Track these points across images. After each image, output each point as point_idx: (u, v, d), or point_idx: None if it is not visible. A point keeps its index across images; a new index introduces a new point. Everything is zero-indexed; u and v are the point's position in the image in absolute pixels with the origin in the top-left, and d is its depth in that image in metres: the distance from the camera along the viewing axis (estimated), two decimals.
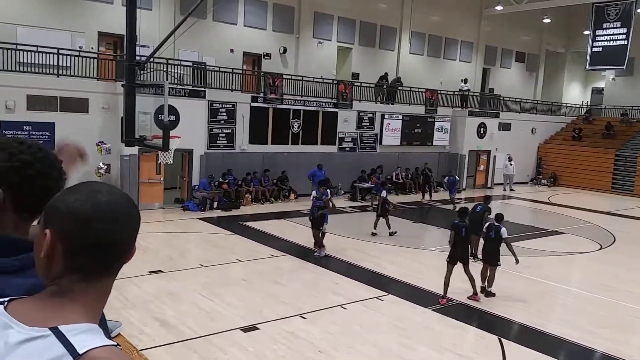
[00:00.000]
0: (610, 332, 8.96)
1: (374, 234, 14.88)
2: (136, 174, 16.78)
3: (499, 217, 10.42)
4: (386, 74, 26.28)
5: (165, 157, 12.46)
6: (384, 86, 25.44)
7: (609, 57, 28.77)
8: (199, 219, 16.41)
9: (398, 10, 28.10)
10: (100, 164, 14.98)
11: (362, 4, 26.25)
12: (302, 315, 8.86)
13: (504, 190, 26.93)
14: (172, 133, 12.04)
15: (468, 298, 9.98)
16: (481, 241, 10.82)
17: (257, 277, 10.95)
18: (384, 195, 14.98)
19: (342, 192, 22.18)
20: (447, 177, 21.89)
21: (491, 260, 10.13)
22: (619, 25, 28.09)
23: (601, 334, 8.85)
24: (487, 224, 10.55)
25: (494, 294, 10.19)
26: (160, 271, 10.84)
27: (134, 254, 1.25)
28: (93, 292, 1.19)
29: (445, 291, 9.88)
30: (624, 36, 27.96)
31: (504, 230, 10.03)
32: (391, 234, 14.82)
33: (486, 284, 10.23)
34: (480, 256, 11.49)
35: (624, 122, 31.12)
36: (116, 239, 1.18)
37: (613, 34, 28.39)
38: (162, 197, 17.65)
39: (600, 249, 15.34)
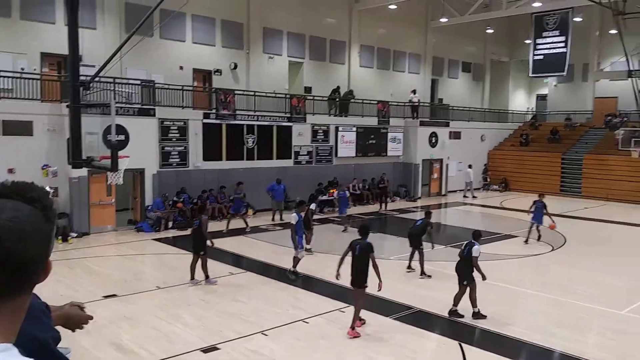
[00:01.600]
0: (567, 332, 9.17)
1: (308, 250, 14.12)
2: (86, 196, 16.23)
3: (476, 234, 9.90)
4: (338, 87, 26.52)
5: (114, 177, 12.08)
6: (337, 99, 25.64)
7: (550, 65, 30.00)
8: (154, 239, 15.99)
9: (346, 25, 28.47)
10: (47, 188, 14.41)
11: (310, 19, 26.47)
12: (264, 332, 8.70)
13: (465, 197, 27.56)
14: (121, 153, 11.71)
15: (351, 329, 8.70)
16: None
17: (216, 296, 10.71)
18: (312, 208, 14.67)
19: (349, 193, 22.10)
20: (337, 192, 18.67)
21: (464, 279, 9.53)
22: (557, 33, 29.36)
23: (559, 333, 9.04)
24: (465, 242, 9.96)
25: (484, 316, 9.44)
26: (114, 295, 10.46)
27: (50, 271, 1.20)
28: (6, 312, 1.14)
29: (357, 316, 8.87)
30: (562, 44, 29.23)
31: (475, 248, 9.55)
32: (307, 250, 13.87)
33: (472, 307, 9.53)
34: (421, 272, 12.29)
35: (568, 126, 32.41)
36: (26, 257, 1.12)
37: (553, 42, 29.63)
38: (114, 219, 17.12)
39: (552, 250, 15.79)
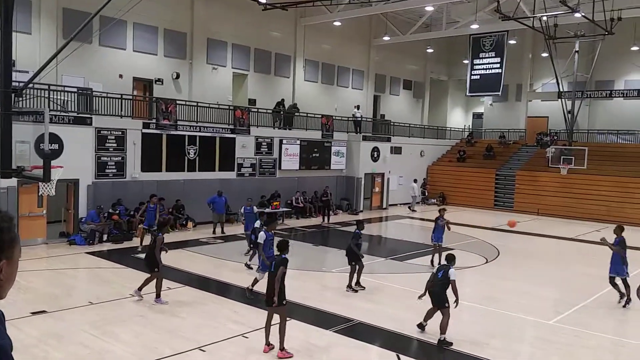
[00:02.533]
0: (498, 342, 9.50)
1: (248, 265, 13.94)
2: (15, 208, 15.44)
3: (450, 257, 9.53)
4: (283, 100, 26.61)
5: (46, 188, 11.57)
6: (281, 112, 25.70)
7: (486, 84, 31.36)
8: (87, 253, 15.39)
9: (292, 39, 28.68)
10: None
11: (256, 32, 26.49)
12: (202, 348, 8.52)
13: (411, 210, 28.39)
14: (54, 162, 11.26)
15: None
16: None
17: (153, 311, 10.41)
18: (257, 226, 13.66)
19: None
20: (242, 207, 17.19)
21: (439, 303, 9.22)
22: (493, 55, 30.75)
23: (490, 344, 9.36)
24: (437, 266, 9.72)
25: (450, 343, 9.02)
26: (44, 311, 9.97)
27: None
28: None
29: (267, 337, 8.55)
30: (498, 65, 30.63)
31: (452, 271, 9.19)
32: (246, 264, 13.86)
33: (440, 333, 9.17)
34: (356, 287, 12.17)
35: (502, 143, 33.83)
36: None
37: (489, 63, 31.00)
38: (46, 231, 16.36)
39: (486, 262, 16.35)
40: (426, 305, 9.65)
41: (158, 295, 10.91)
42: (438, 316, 9.32)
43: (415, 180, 29.91)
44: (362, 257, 12.53)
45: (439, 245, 14.88)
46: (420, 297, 9.58)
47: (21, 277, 12.50)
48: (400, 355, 8.61)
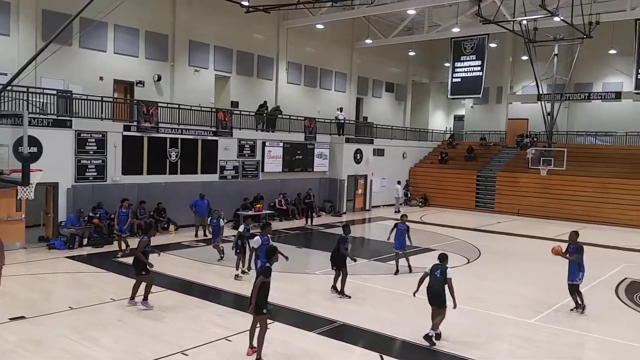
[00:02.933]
0: (480, 341, 9.59)
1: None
2: None
3: (443, 256, 9.61)
4: (265, 102, 26.56)
5: (25, 192, 11.39)
6: (264, 114, 25.66)
7: (467, 87, 31.68)
8: (67, 257, 15.20)
9: (274, 41, 28.66)
10: None
11: (238, 34, 26.42)
12: (184, 352, 8.47)
13: (396, 212, 28.40)
14: (33, 166, 11.09)
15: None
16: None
17: (134, 316, 10.30)
18: (241, 230, 13.48)
19: (225, 220, 21.78)
20: (210, 219, 16.22)
21: (439, 302, 9.23)
22: (474, 58, 31.08)
23: (472, 343, 9.44)
24: (431, 265, 9.58)
25: (434, 343, 9.13)
26: (22, 317, 9.82)
27: None
28: None
29: (251, 341, 8.46)
30: (479, 68, 30.97)
31: (449, 270, 9.33)
32: (243, 272, 13.44)
33: (434, 330, 9.26)
34: (341, 296, 11.89)
35: (483, 145, 34.19)
36: None
37: (470, 66, 31.32)
38: (24, 235, 16.09)
39: (468, 262, 16.50)
40: (412, 306, 9.69)
41: (145, 298, 10.79)
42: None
43: (399, 182, 30.17)
44: (355, 260, 12.51)
45: (402, 252, 14.33)
46: (414, 293, 9.63)
47: None
48: (384, 356, 8.65)
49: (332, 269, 12.23)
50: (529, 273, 15.46)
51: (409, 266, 14.36)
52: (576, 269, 11.26)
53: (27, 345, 8.55)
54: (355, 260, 12.53)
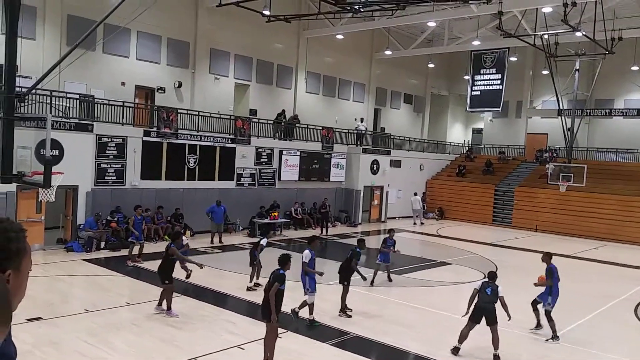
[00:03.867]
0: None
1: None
2: (13, 213, 15.42)
3: (492, 275, 9.75)
4: (283, 110, 26.70)
5: (46, 194, 11.57)
6: (282, 123, 25.77)
7: (487, 100, 31.51)
8: (85, 260, 15.35)
9: (294, 51, 28.84)
10: None
11: (258, 43, 26.64)
12: (197, 358, 8.48)
13: (414, 224, 28.47)
14: (54, 169, 11.26)
15: None
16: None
17: (148, 320, 10.36)
18: (263, 244, 13.49)
19: (241, 228, 21.93)
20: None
21: (493, 320, 9.31)
22: (494, 71, 30.93)
23: (487, 359, 9.31)
24: (480, 282, 9.70)
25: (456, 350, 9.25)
26: (39, 318, 9.92)
27: None
28: None
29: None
30: (499, 81, 30.80)
31: (500, 288, 9.41)
32: (256, 285, 13.11)
33: (494, 350, 9.32)
34: (347, 312, 11.47)
35: (501, 159, 33.91)
36: None
37: (489, 79, 31.17)
38: (43, 237, 16.32)
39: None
40: (425, 320, 9.60)
41: (169, 307, 10.68)
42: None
43: (415, 194, 29.98)
44: (365, 279, 12.36)
45: (385, 265, 14.39)
46: (464, 315, 9.45)
47: None
48: None
49: (342, 283, 11.60)
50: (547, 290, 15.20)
51: (389, 277, 14.65)
52: (546, 292, 10.64)
53: (44, 346, 8.63)
54: (365, 279, 12.25)
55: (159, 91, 23.17)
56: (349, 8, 21.13)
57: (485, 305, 9.24)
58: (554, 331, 10.49)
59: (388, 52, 31.97)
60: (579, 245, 23.92)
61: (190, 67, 24.24)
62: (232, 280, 14.01)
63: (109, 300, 11.47)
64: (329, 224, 23.99)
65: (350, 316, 11.35)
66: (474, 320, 9.32)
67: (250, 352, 8.91)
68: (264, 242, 13.48)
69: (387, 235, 14.75)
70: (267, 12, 21.51)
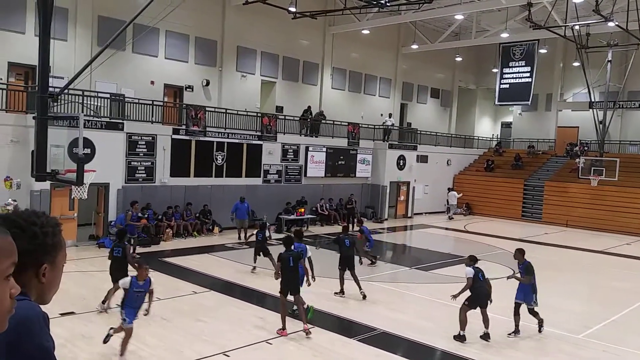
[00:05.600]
0: (525, 355, 9.36)
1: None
2: (47, 210, 15.85)
3: (474, 258, 9.99)
4: (309, 107, 26.76)
5: (79, 191, 11.89)
6: (308, 119, 25.85)
7: (516, 94, 30.98)
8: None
9: (320, 47, 28.86)
10: (9, 200, 14.13)
11: (284, 40, 26.73)
12: (226, 353, 8.62)
13: (450, 218, 28.80)
14: (87, 166, 11.56)
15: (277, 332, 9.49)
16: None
17: (178, 315, 10.56)
18: (266, 235, 14.57)
19: (268, 224, 22.05)
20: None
21: (487, 302, 9.78)
22: (523, 64, 30.39)
23: (517, 357, 9.23)
24: (472, 269, 9.72)
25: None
26: (72, 312, 10.22)
27: None
28: None
29: (284, 322, 9.58)
30: (528, 74, 30.25)
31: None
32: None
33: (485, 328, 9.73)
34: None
35: (530, 153, 33.33)
36: None
37: (518, 72, 30.64)
38: (76, 234, 16.75)
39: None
40: (453, 316, 9.54)
41: (104, 301, 10.69)
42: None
43: (449, 189, 30.14)
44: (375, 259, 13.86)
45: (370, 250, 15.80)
46: (456, 296, 9.75)
47: None
48: None
49: (344, 270, 12.34)
50: (578, 286, 14.99)
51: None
52: (529, 291, 10.13)
53: (77, 340, 8.89)
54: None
55: (187, 89, 23.49)
56: (375, 2, 21.06)
57: (483, 291, 9.66)
58: (542, 325, 10.40)
59: (415, 47, 31.70)
60: (611, 241, 23.39)
61: (218, 65, 24.49)
62: (258, 275, 14.15)
63: None
64: (355, 220, 23.97)
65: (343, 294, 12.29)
66: (474, 306, 9.68)
67: (278, 346, 9.02)
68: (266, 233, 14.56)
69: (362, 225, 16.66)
70: (293, 9, 21.57)
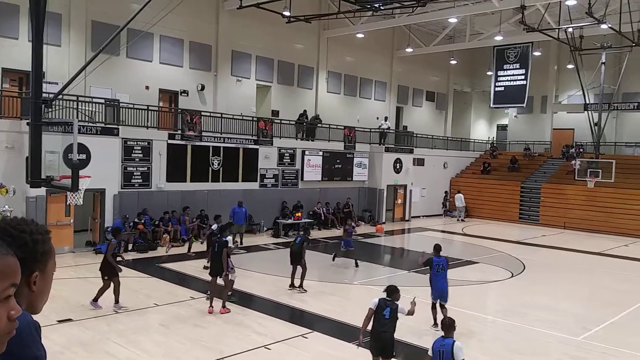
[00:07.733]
0: (524, 358, 9.31)
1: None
2: (43, 217, 15.74)
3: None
4: (305, 111, 26.72)
5: (74, 198, 11.78)
6: (304, 123, 25.81)
7: (511, 96, 31.01)
8: None
9: (314, 51, 28.85)
10: (5, 206, 14.01)
11: (279, 44, 26.71)
12: (224, 358, 8.53)
13: (458, 220, 29.37)
14: (82, 172, 11.45)
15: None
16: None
17: (176, 321, 10.47)
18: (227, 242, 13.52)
19: (265, 228, 22.02)
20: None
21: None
22: (518, 66, 30.44)
23: (516, 359, 9.17)
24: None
25: None
26: (69, 319, 10.11)
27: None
28: None
29: None
30: (522, 77, 30.30)
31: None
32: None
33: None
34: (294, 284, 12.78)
35: (527, 156, 33.39)
36: None
37: (513, 75, 30.69)
38: (72, 240, 16.64)
39: (512, 276, 16.08)
40: (458, 324, 9.48)
41: (96, 300, 11.02)
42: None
43: (458, 191, 30.43)
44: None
45: (349, 250, 16.27)
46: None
47: None
48: None
49: (291, 264, 12.97)
50: (576, 288, 14.97)
51: (357, 264, 16.11)
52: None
53: (74, 347, 8.78)
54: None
55: (183, 94, 23.41)
56: (369, 6, 21.08)
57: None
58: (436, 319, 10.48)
59: (409, 50, 31.73)
60: (609, 243, 23.42)
61: (213, 69, 24.44)
62: (256, 280, 14.07)
63: (137, 302, 11.62)
64: (353, 223, 23.89)
65: (305, 290, 12.70)
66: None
67: (277, 352, 8.93)
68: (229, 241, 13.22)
69: (346, 224, 17.36)
70: (287, 13, 21.57)
